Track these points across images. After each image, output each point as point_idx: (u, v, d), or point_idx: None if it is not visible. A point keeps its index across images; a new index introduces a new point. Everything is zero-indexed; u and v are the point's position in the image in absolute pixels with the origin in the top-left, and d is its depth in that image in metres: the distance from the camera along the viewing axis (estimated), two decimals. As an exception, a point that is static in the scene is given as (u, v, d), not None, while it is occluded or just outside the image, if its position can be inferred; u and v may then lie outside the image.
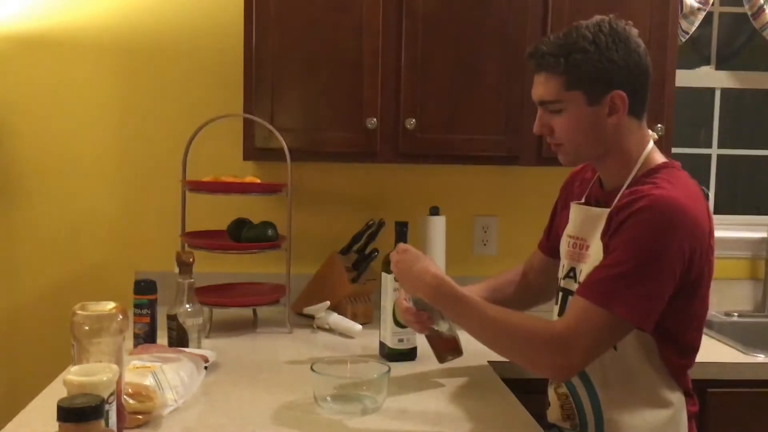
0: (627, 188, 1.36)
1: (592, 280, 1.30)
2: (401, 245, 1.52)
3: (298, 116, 2.07)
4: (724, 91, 2.57)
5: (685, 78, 2.50)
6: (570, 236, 1.46)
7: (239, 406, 1.49)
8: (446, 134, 2.12)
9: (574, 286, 1.40)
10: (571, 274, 1.43)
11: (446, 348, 1.56)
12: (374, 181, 2.43)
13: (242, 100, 2.06)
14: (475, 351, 1.93)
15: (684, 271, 1.29)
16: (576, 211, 1.47)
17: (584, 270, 1.39)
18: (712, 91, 2.57)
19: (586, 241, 1.41)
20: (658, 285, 1.27)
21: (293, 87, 2.05)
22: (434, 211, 2.29)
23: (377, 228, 2.25)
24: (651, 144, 1.40)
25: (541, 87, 1.37)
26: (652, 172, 1.37)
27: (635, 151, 1.39)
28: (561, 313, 1.44)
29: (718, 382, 1.86)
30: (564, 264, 1.46)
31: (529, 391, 1.61)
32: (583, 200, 1.48)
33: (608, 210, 1.36)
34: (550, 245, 1.63)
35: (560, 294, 1.46)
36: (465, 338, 1.51)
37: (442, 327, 1.56)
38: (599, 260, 1.33)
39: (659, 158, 1.40)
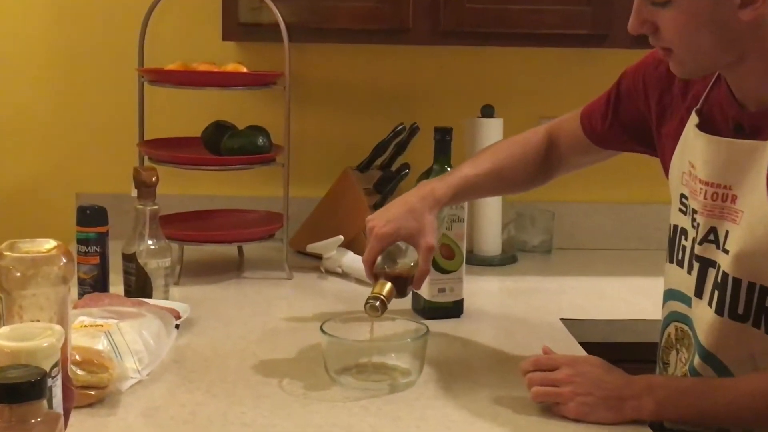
0: None
1: None
2: (569, 356, 1.43)
3: (299, -22, 2.05)
4: None
5: None
6: (704, 182, 1.40)
7: (222, 379, 1.51)
8: (505, 3, 2.09)
9: (721, 257, 1.36)
10: (711, 237, 1.38)
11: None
12: (405, 69, 2.41)
13: (220, -45, 2.05)
14: (541, 304, 1.98)
15: None
16: (710, 146, 1.38)
17: (735, 233, 1.33)
18: None
19: (732, 189, 1.34)
20: None
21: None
22: (487, 112, 2.28)
23: (408, 135, 2.25)
24: None
25: None
26: None
27: None
28: (699, 291, 1.40)
29: None
30: (698, 222, 1.41)
31: (622, 359, 1.62)
32: (698, 120, 1.41)
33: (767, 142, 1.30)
34: (603, 135, 1.62)
35: (696, 264, 1.42)
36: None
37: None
38: (759, 217, 1.29)
39: None
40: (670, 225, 1.49)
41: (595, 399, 1.35)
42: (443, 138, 1.82)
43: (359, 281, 2.07)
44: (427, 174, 1.81)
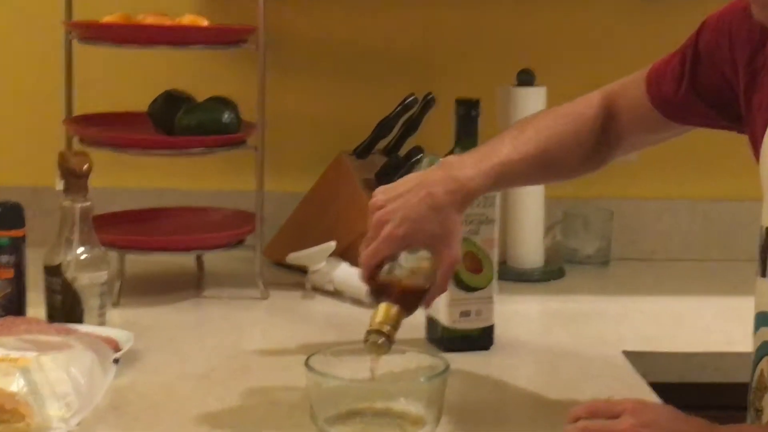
0: None
1: None
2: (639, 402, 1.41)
3: None
4: None
5: None
6: None
7: (177, 431, 1.50)
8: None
9: None
10: None
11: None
12: (417, 24, 2.42)
13: None
14: (596, 332, 1.97)
15: None
16: None
17: None
18: None
19: None
20: None
21: None
22: (525, 79, 2.28)
23: (421, 109, 2.24)
24: None
25: None
26: None
27: None
28: None
29: None
30: None
31: (703, 404, 1.62)
32: None
33: None
34: (676, 105, 1.62)
35: None
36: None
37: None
38: None
39: None
40: (762, 228, 1.48)
41: None
42: (468, 113, 1.82)
43: (356, 301, 2.07)
44: (446, 161, 1.81)
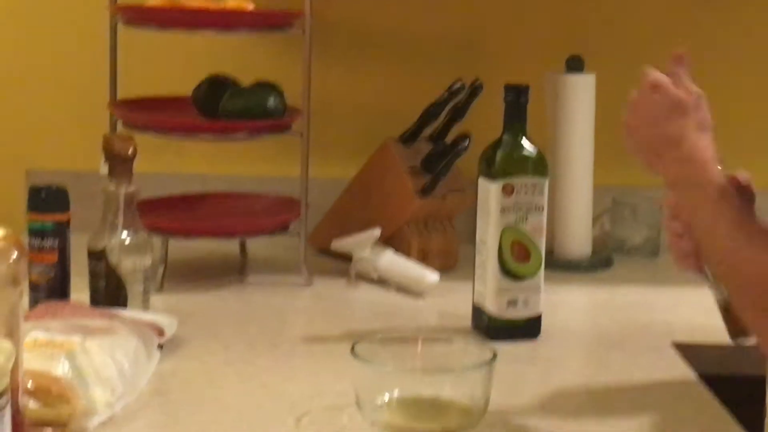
0: None
1: None
2: (652, 77, 1.55)
3: None
4: None
5: None
6: None
7: (220, 419, 1.50)
8: None
9: None
10: None
11: None
12: (464, 9, 2.41)
13: None
14: (645, 323, 1.96)
15: None
16: None
17: None
18: None
19: None
20: None
21: None
22: (574, 65, 2.27)
23: (469, 96, 2.24)
24: None
25: None
26: None
27: None
28: None
29: None
30: None
31: (753, 399, 1.62)
32: None
33: None
34: None
35: None
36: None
37: None
38: None
39: None
40: None
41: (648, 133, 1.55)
42: (517, 100, 1.81)
43: (401, 290, 2.08)
44: (494, 147, 1.80)
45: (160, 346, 1.65)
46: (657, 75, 1.55)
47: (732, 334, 1.61)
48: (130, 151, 1.82)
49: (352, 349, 1.49)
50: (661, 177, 1.55)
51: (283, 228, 2.13)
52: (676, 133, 1.52)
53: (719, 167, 1.49)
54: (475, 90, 2.23)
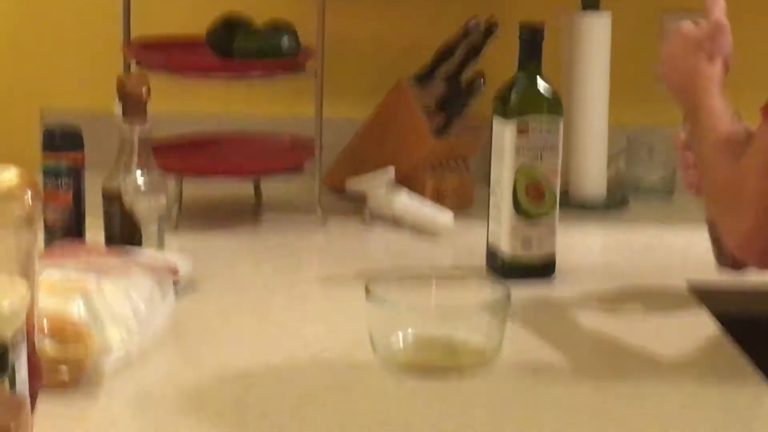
0: None
1: None
2: (687, 25, 1.66)
3: None
4: None
5: None
6: None
7: (236, 357, 1.51)
8: None
9: None
10: None
11: None
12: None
13: None
14: (660, 263, 1.97)
15: None
16: None
17: None
18: None
19: None
20: None
21: None
22: (590, 3, 2.26)
23: (484, 35, 2.23)
24: None
25: None
26: None
27: None
28: None
29: None
30: None
31: None
32: None
33: None
34: None
35: None
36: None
37: None
38: None
39: None
40: None
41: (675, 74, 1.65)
42: (533, 38, 1.80)
43: (416, 229, 2.08)
44: (508, 86, 1.80)
45: (176, 285, 1.65)
46: (679, 25, 1.67)
47: (718, 259, 1.66)
48: (144, 91, 1.82)
49: (367, 288, 1.50)
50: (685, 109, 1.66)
51: (298, 168, 2.13)
52: (690, 68, 1.61)
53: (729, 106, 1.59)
54: (490, 29, 2.22)
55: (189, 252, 1.83)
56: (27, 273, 1.18)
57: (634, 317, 1.70)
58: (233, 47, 2.08)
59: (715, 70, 1.61)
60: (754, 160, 1.45)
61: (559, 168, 1.83)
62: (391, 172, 2.13)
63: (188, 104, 2.37)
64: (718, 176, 1.54)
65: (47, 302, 1.39)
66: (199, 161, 2.13)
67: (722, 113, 1.58)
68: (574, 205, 2.25)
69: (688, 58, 1.63)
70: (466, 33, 2.24)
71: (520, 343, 1.57)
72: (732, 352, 1.58)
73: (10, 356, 1.06)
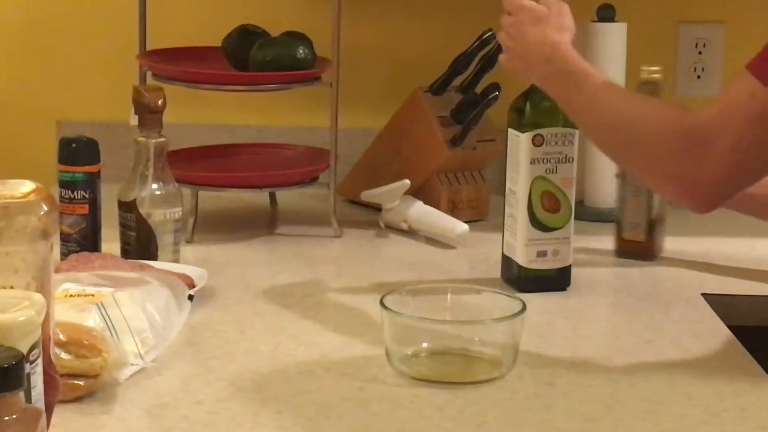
0: None
1: None
2: (517, 2, 1.72)
3: None
4: None
5: None
6: None
7: (251, 369, 1.52)
8: None
9: None
10: None
11: None
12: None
13: None
14: (675, 274, 1.96)
15: None
16: None
17: None
18: None
19: None
20: None
21: None
22: (605, 14, 2.26)
23: (499, 45, 2.20)
24: None
25: None
26: None
27: None
28: None
29: None
30: None
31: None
32: None
33: None
34: None
35: None
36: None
37: None
38: None
39: None
40: None
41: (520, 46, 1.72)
42: (546, 49, 1.81)
43: (431, 241, 2.08)
44: (524, 97, 1.81)
45: (191, 297, 1.66)
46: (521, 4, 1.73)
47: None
48: (159, 102, 1.83)
49: (382, 300, 1.50)
50: (532, 81, 1.74)
51: (313, 179, 2.14)
52: (538, 37, 1.68)
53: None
54: (505, 39, 2.22)
55: (205, 263, 1.84)
56: (43, 285, 1.18)
57: (650, 329, 1.70)
58: (249, 58, 2.09)
59: (568, 41, 1.69)
60: (722, 113, 1.49)
61: (575, 178, 1.83)
62: (406, 182, 2.13)
63: (204, 115, 2.38)
64: (628, 116, 1.59)
65: (64, 314, 1.40)
66: (214, 172, 2.13)
67: (595, 71, 1.66)
68: (590, 217, 2.25)
69: (536, 28, 1.69)
70: (481, 43, 2.24)
71: (535, 355, 1.57)
72: (748, 361, 1.58)
73: (27, 369, 1.06)
